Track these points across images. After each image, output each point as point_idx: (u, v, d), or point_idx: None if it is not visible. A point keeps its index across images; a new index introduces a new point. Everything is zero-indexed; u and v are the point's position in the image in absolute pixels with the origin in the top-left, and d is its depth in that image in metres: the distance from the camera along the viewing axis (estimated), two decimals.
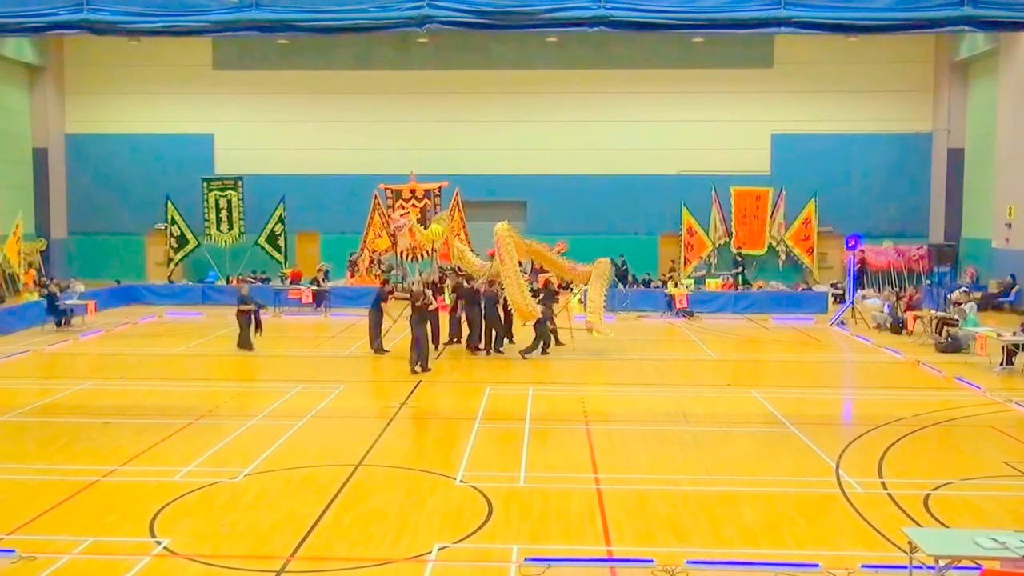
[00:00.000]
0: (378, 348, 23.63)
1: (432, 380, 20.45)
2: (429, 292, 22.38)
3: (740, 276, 38.02)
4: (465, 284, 24.88)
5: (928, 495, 12.12)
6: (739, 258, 38.81)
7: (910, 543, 8.73)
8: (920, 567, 8.91)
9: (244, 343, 24.42)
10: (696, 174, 39.79)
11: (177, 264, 39.96)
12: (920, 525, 10.86)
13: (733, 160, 40.00)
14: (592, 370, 21.98)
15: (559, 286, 27.71)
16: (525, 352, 23.24)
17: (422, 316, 21.31)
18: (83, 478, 12.73)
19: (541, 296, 24.17)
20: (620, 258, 38.60)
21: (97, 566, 9.72)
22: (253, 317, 24.60)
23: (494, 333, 24.08)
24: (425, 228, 26.64)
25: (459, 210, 37.78)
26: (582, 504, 11.68)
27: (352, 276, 37.48)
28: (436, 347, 24.07)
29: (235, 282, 37.33)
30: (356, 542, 10.37)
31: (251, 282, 36.32)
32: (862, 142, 40.06)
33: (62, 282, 33.27)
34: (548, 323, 23.85)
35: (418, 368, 20.98)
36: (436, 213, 37.39)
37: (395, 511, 11.41)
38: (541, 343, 23.57)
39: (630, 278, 37.81)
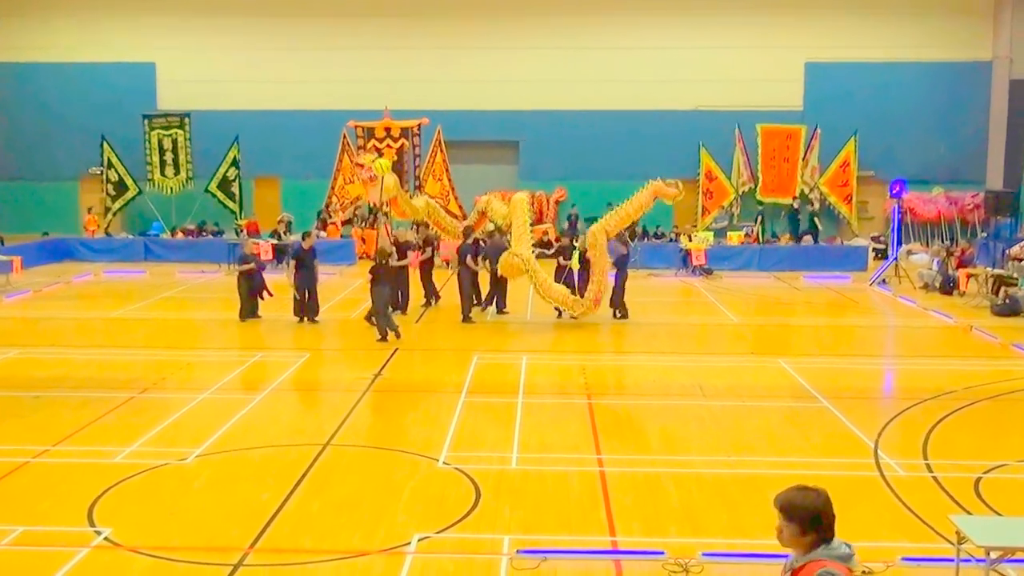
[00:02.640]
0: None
1: (411, 348, 20.52)
2: (393, 250, 22.97)
3: (770, 228, 38.10)
4: (483, 242, 25.01)
5: (979, 479, 12.23)
6: (781, 208, 38.86)
7: (958, 533, 8.83)
8: (968, 560, 9.02)
9: (249, 313, 23.50)
10: (716, 110, 39.71)
11: (115, 214, 39.91)
12: (969, 513, 10.97)
13: (760, 94, 39.91)
14: (595, 336, 22.06)
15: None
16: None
17: (386, 276, 21.33)
18: (11, 459, 12.78)
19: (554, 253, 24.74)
20: (608, 208, 38.63)
21: (28, 559, 9.79)
22: (258, 279, 23.73)
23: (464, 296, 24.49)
24: (402, 173, 26.66)
25: (441, 152, 37.72)
26: (583, 489, 11.78)
27: (325, 230, 37.37)
28: (404, 311, 24.28)
29: (245, 228, 37.13)
30: (324, 532, 10.46)
31: (253, 234, 35.89)
32: (909, 72, 39.99)
33: None
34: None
35: (391, 335, 20.99)
36: (416, 155, 37.42)
37: (369, 497, 11.50)
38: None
39: (639, 231, 37.85)
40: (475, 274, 23.98)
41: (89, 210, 39.46)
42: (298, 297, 23.03)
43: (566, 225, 38.62)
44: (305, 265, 22.81)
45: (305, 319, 22.97)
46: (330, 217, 37.88)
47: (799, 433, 14.30)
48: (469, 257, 23.83)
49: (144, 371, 18.22)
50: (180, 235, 38.43)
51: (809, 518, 5.23)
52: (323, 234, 36.56)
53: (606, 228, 23.33)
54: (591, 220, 37.84)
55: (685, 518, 10.88)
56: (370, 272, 21.33)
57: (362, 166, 25.54)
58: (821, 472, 12.35)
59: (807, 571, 5.24)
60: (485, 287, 24.91)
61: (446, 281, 29.38)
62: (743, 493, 11.65)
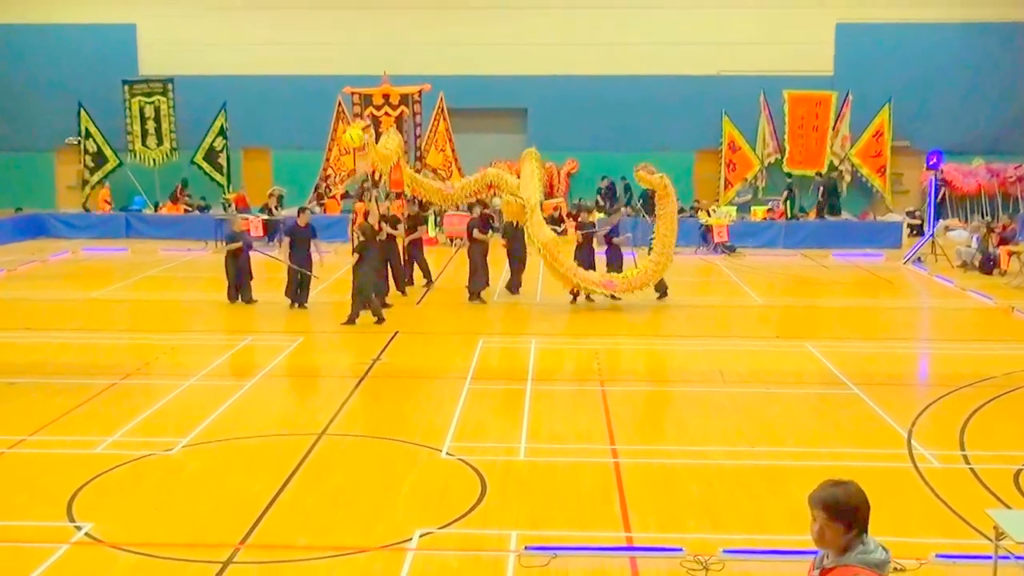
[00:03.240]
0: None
1: (412, 331, 20.57)
2: (382, 225, 22.92)
3: (795, 202, 38.05)
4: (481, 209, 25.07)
5: (1019, 471, 12.26)
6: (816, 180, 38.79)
7: (996, 528, 8.87)
8: (1007, 557, 9.06)
9: (239, 294, 23.31)
10: (740, 75, 39.58)
11: (94, 188, 39.94)
12: (1008, 507, 11.01)
13: (787, 57, 39.76)
14: (609, 319, 22.10)
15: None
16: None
17: (373, 255, 21.37)
18: None
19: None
20: (620, 180, 38.72)
21: (4, 555, 9.86)
22: (245, 258, 23.41)
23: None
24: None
25: (443, 120, 37.64)
26: (596, 482, 11.84)
27: (322, 205, 37.33)
28: (403, 292, 24.38)
29: (234, 202, 37.11)
30: (320, 528, 10.52)
31: (242, 209, 35.91)
32: (949, 34, 39.81)
33: None
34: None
35: (376, 316, 21.03)
36: (416, 124, 37.36)
37: (367, 490, 11.57)
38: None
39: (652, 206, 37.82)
40: (486, 249, 23.96)
41: (103, 183, 39.47)
42: (306, 275, 22.71)
43: (596, 199, 38.61)
44: (300, 244, 22.65)
45: (295, 304, 22.75)
46: (328, 191, 37.87)
47: (827, 422, 14.34)
48: (477, 231, 23.85)
49: (126, 356, 18.30)
50: (175, 208, 38.30)
51: (853, 515, 5.28)
52: (317, 209, 36.55)
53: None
54: (645, 196, 37.94)
55: (704, 513, 10.93)
56: (356, 251, 21.28)
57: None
58: (850, 463, 12.39)
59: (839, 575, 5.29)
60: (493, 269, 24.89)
61: (448, 260, 29.46)
62: (766, 486, 11.70)
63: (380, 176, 25.00)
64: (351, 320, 20.85)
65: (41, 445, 13.16)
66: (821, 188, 38.03)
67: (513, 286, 24.54)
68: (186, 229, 36.04)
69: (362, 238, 21.26)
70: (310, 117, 39.05)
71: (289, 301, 22.86)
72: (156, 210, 38.49)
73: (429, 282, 25.80)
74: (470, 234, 23.99)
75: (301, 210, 23.46)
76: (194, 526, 10.54)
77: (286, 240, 23.14)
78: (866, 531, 5.32)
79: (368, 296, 21.04)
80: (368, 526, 10.52)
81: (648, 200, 36.83)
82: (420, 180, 25.39)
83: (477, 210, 25.71)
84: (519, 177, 24.00)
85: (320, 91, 38.42)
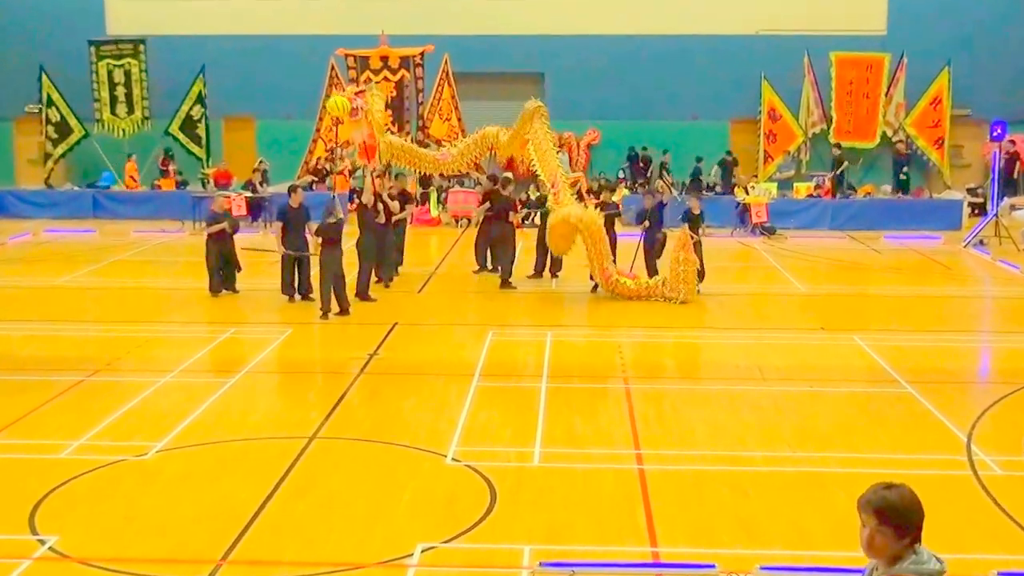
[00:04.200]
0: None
1: (413, 322, 20.62)
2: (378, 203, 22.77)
3: (843, 178, 38.00)
4: (501, 192, 24.96)
5: None
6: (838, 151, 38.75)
7: None
8: None
9: (223, 284, 23.02)
10: (782, 34, 39.48)
11: (57, 162, 40.00)
12: None
13: (834, 15, 39.66)
14: (633, 308, 22.08)
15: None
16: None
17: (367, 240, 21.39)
18: None
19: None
20: (663, 155, 38.71)
21: None
22: (230, 243, 23.04)
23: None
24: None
25: (449, 85, 37.72)
26: (618, 490, 11.87)
27: (323, 182, 37.29)
28: (388, 281, 24.13)
29: (214, 178, 37.12)
30: (310, 541, 10.57)
31: (223, 186, 35.93)
32: None
33: None
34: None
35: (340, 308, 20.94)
36: (418, 90, 37.36)
37: (363, 500, 11.62)
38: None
39: (683, 181, 37.83)
40: (515, 232, 24.03)
41: (129, 156, 39.48)
42: (304, 261, 22.25)
43: (619, 175, 38.64)
44: (294, 227, 22.10)
45: (296, 296, 22.29)
46: (335, 166, 37.81)
47: (877, 423, 14.35)
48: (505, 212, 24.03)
49: (95, 350, 18.35)
50: (168, 183, 38.30)
51: (907, 521, 5.32)
52: (314, 188, 36.51)
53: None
54: (697, 175, 37.93)
55: (739, 525, 10.96)
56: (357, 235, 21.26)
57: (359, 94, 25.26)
58: (903, 470, 12.34)
59: None
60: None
61: (453, 243, 29.47)
62: (808, 495, 11.72)
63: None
64: (343, 310, 20.84)
65: (0, 449, 13.24)
66: (843, 163, 37.98)
67: (550, 269, 24.57)
68: (160, 208, 36.14)
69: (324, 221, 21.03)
70: (299, 82, 39.11)
71: (287, 297, 22.30)
72: (127, 187, 38.49)
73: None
74: (502, 214, 24.01)
75: (292, 189, 22.93)
76: (171, 539, 10.58)
77: (278, 225, 22.47)
78: (919, 540, 5.36)
79: (328, 282, 20.81)
80: (365, 539, 10.56)
81: (696, 177, 37.05)
82: (405, 147, 24.83)
83: (489, 184, 25.73)
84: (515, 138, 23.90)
85: (310, 53, 38.50)
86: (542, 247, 24.35)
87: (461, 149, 24.44)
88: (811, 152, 39.78)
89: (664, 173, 38.94)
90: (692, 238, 22.45)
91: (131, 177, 38.86)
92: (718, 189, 37.31)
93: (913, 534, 5.32)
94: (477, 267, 25.68)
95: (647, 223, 23.44)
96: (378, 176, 23.62)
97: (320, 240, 20.84)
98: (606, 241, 22.42)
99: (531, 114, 23.35)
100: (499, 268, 24.26)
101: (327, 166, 38.09)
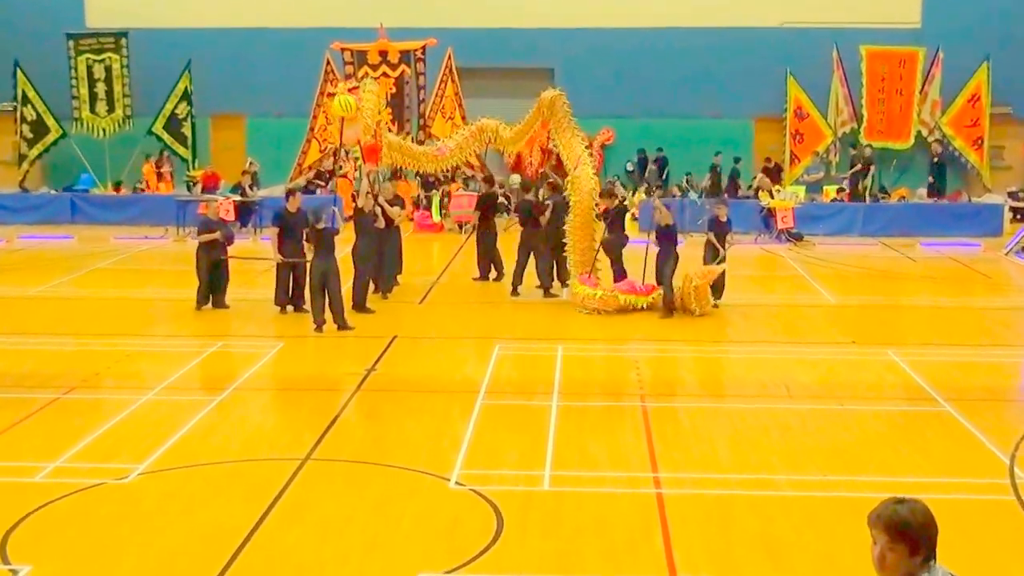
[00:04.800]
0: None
1: (414, 335, 20.60)
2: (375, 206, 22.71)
3: (873, 179, 37.96)
4: (523, 192, 25.06)
5: None
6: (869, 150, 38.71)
7: None
8: None
9: (211, 298, 22.74)
10: (809, 27, 39.52)
11: (33, 163, 40.03)
12: None
13: (865, 6, 39.72)
14: (650, 320, 22.04)
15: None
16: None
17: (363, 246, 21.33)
18: None
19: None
20: (657, 152, 38.72)
21: None
22: (222, 254, 22.78)
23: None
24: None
25: (452, 81, 37.73)
26: (635, 516, 11.83)
27: (325, 186, 37.24)
28: (386, 292, 24.06)
29: (201, 181, 37.07)
30: (304, 571, 10.53)
31: (210, 189, 35.90)
32: None
33: None
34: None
35: (339, 322, 20.83)
36: (420, 86, 37.38)
37: (360, 526, 11.59)
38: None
39: (704, 184, 37.82)
40: (546, 236, 24.03)
41: (147, 157, 39.50)
42: (300, 268, 22.02)
43: (623, 176, 38.67)
44: (291, 234, 21.94)
45: (289, 307, 22.31)
46: (339, 168, 37.70)
47: (912, 445, 14.30)
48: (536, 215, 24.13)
49: (72, 364, 18.33)
50: (163, 186, 38.33)
51: (919, 537, 5.30)
52: (318, 191, 36.48)
53: None
54: (736, 175, 37.85)
55: (765, 554, 10.93)
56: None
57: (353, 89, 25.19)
58: (941, 495, 12.33)
59: None
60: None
61: (457, 250, 29.46)
62: (839, 522, 11.67)
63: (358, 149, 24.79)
64: (337, 326, 20.81)
65: None
66: (860, 163, 37.84)
67: (559, 276, 24.56)
68: (143, 213, 36.13)
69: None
70: (292, 78, 39.20)
71: (280, 308, 22.31)
72: (107, 190, 38.52)
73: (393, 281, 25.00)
74: (529, 219, 24.07)
75: (290, 193, 22.86)
76: (153, 570, 10.55)
77: (274, 230, 22.31)
78: (934, 557, 5.34)
79: (317, 291, 20.75)
80: (361, 569, 10.53)
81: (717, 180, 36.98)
82: (404, 147, 24.82)
83: (486, 187, 25.84)
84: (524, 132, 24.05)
85: (304, 47, 38.59)
86: (524, 251, 24.51)
87: (459, 142, 24.49)
88: (841, 153, 39.72)
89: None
90: (720, 250, 22.54)
91: (147, 181, 38.79)
92: (762, 197, 36.89)
93: (927, 551, 5.32)
94: (477, 274, 25.73)
95: (608, 228, 23.75)
96: (385, 180, 23.73)
97: (313, 248, 20.82)
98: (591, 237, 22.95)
99: (551, 103, 23.58)
100: (505, 273, 24.24)
101: (334, 168, 38.01)
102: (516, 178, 38.19)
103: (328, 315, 20.54)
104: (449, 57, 37.46)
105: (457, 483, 12.78)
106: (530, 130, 24.03)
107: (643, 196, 33.85)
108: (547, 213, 23.95)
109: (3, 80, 39.76)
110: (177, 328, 21.67)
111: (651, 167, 39.97)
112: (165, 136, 39.40)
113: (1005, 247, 31.10)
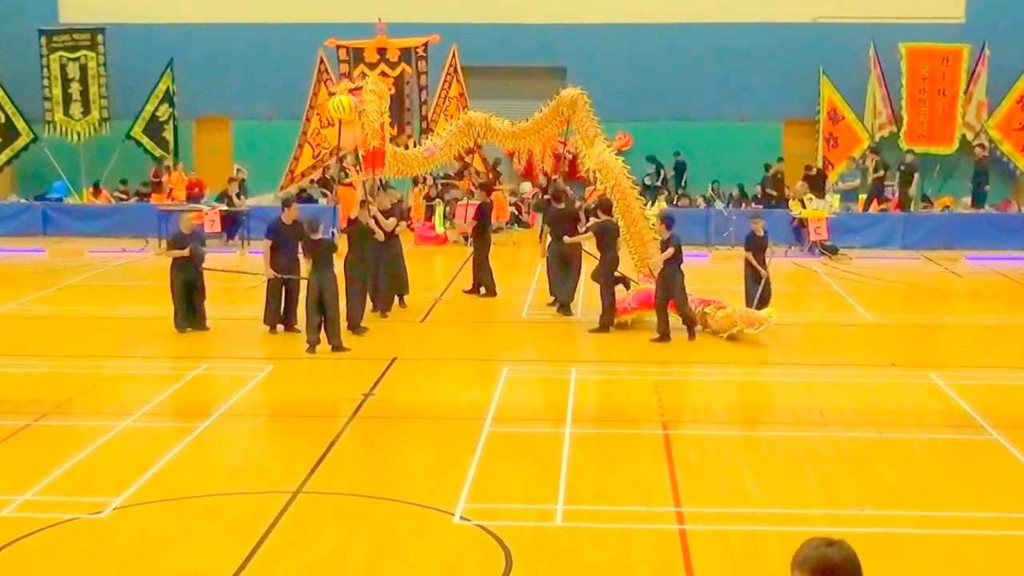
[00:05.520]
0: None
1: (415, 356, 20.60)
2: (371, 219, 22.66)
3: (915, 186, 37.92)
4: (553, 202, 24.99)
5: None
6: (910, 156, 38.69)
7: None
8: None
9: (188, 319, 22.38)
10: (844, 22, 39.53)
11: (1, 170, 40.05)
12: None
13: (904, 0, 39.67)
14: (672, 340, 21.99)
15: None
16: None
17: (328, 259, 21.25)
18: None
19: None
20: (675, 157, 38.66)
21: None
22: (195, 272, 22.36)
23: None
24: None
25: (457, 81, 37.74)
26: (655, 554, 11.80)
27: (330, 194, 37.26)
28: (385, 310, 23.89)
29: (166, 178, 37.09)
30: None
31: (194, 199, 35.87)
32: None
33: None
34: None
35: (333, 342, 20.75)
36: (422, 87, 37.40)
37: (356, 566, 11.58)
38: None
39: (730, 192, 37.80)
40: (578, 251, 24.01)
41: (175, 163, 39.54)
42: (293, 285, 22.07)
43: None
44: (285, 247, 21.83)
45: (279, 327, 22.13)
46: (345, 175, 37.66)
47: (958, 476, 14.27)
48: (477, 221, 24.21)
49: (44, 389, 18.35)
50: (167, 197, 38.33)
51: None
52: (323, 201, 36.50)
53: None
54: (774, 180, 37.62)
55: None
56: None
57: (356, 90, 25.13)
58: (989, 531, 12.35)
59: None
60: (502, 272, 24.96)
61: (462, 264, 29.44)
62: (879, 562, 11.59)
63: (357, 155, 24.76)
64: (331, 347, 20.76)
65: None
66: (883, 169, 37.70)
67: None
68: (120, 223, 36.13)
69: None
70: (283, 78, 39.21)
71: (269, 327, 22.13)
72: (84, 199, 38.55)
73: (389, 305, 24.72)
74: (562, 231, 23.93)
75: (286, 204, 22.71)
76: None
77: (267, 243, 22.08)
78: None
79: (311, 311, 20.71)
80: None
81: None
82: (397, 153, 24.62)
83: (482, 195, 26.02)
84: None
85: (296, 44, 38.60)
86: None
87: (447, 139, 24.55)
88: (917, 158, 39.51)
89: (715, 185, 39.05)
90: (760, 272, 22.52)
91: (172, 189, 38.69)
92: (793, 206, 36.75)
93: None
94: (469, 287, 25.84)
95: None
96: (381, 189, 23.75)
97: (311, 262, 20.76)
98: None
99: (572, 102, 23.83)
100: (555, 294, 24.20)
101: (339, 175, 38.02)
102: (527, 186, 38.25)
103: (323, 335, 20.54)
104: (453, 55, 37.47)
105: (462, 518, 12.75)
106: (542, 129, 24.07)
107: (664, 205, 33.82)
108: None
109: None
110: (157, 349, 21.63)
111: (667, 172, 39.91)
112: (145, 140, 39.39)
113: None
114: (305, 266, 21.34)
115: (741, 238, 32.72)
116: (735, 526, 12.57)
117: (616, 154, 24.50)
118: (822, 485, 13.94)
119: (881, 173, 37.53)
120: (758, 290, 22.63)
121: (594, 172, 23.63)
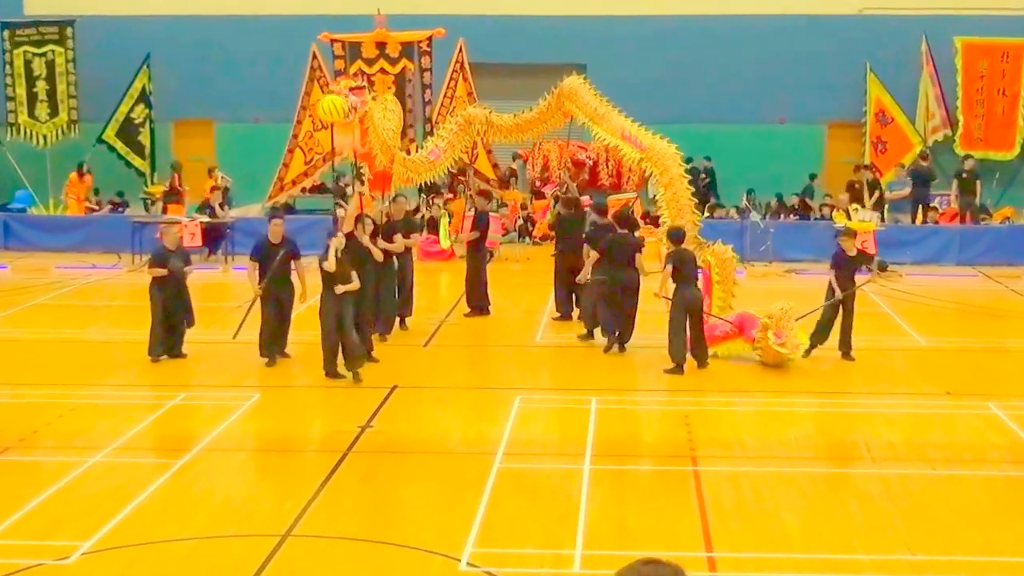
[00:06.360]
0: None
1: (418, 384, 20.60)
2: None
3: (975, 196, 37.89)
4: (563, 210, 25.12)
5: None
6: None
7: None
8: None
9: (164, 345, 22.19)
10: (892, 14, 39.56)
11: None
12: None
13: None
14: (700, 369, 22.00)
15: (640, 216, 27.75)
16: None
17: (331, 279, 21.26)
18: None
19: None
20: (705, 163, 38.63)
21: None
22: (179, 290, 22.27)
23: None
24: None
25: (464, 80, 37.78)
26: None
27: (345, 205, 37.16)
28: (385, 333, 23.82)
29: (161, 198, 37.14)
30: None
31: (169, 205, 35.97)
32: None
33: None
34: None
35: (345, 369, 20.63)
36: (425, 85, 37.46)
37: None
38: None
39: (768, 203, 37.80)
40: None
41: (210, 172, 38.92)
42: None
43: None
44: (274, 270, 21.61)
45: (273, 357, 21.88)
46: (361, 182, 37.63)
47: (1021, 517, 14.24)
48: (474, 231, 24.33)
49: (5, 420, 18.36)
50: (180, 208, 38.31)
51: None
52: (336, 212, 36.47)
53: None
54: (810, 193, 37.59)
55: None
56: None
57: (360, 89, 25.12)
58: None
59: None
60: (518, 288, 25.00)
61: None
62: None
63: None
64: (329, 373, 20.63)
65: None
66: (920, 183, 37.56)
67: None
68: (90, 237, 36.09)
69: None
70: (271, 76, 39.31)
71: (267, 360, 21.80)
72: (54, 211, 38.63)
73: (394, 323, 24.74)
74: (574, 244, 24.02)
75: (273, 218, 22.47)
76: None
77: (254, 267, 21.91)
78: None
79: (332, 338, 20.59)
80: None
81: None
82: (410, 162, 24.98)
83: (482, 202, 26.20)
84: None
85: (286, 38, 38.70)
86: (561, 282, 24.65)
87: (449, 140, 24.87)
88: (934, 164, 39.59)
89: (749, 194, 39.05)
90: (836, 292, 22.46)
91: (205, 199, 38.05)
92: (836, 217, 36.68)
93: None
94: (468, 310, 25.84)
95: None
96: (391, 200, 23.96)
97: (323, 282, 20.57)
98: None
99: (571, 92, 24.27)
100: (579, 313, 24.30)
101: (354, 184, 37.97)
102: (574, 196, 38.39)
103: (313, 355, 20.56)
104: (460, 51, 37.51)
105: (469, 564, 12.77)
106: (547, 120, 24.13)
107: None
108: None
109: None
110: (131, 377, 21.62)
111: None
112: (118, 145, 39.49)
113: None
114: (299, 287, 21.43)
115: (780, 253, 32.99)
116: (772, 572, 12.56)
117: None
118: (870, 528, 13.92)
119: (906, 192, 37.07)
120: (822, 309, 22.41)
121: (608, 151, 23.82)
